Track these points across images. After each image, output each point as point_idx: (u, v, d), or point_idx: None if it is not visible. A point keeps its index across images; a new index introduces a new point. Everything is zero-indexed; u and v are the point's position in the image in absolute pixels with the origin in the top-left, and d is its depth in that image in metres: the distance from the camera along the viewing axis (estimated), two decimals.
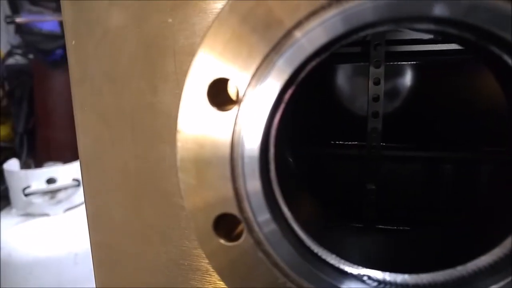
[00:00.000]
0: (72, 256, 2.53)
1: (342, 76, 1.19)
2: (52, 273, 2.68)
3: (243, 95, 0.49)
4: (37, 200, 2.69)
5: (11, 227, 2.67)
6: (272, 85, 0.48)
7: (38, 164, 3.23)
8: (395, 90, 1.13)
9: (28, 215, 2.71)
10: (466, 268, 0.50)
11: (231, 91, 0.52)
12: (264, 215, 0.52)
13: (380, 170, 1.13)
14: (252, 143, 0.50)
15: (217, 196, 0.53)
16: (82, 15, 0.68)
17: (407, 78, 1.11)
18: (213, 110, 0.50)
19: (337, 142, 1.19)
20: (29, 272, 2.55)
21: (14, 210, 2.75)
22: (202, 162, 0.52)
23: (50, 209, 2.68)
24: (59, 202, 2.70)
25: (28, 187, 2.62)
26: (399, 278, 0.53)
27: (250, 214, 0.52)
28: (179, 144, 0.53)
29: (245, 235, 0.53)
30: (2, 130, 3.40)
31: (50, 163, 3.18)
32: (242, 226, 0.53)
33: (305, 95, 1.11)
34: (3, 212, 2.83)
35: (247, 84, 0.49)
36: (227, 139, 0.51)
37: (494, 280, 0.47)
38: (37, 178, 2.66)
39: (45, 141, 3.41)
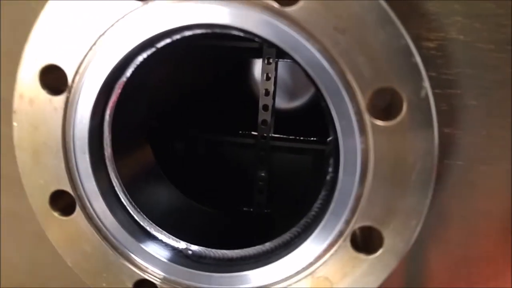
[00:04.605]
0: None
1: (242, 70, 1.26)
2: None
3: (72, 81, 0.53)
4: None
5: None
6: (98, 74, 0.52)
7: None
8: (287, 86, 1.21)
9: None
10: (271, 244, 0.58)
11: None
12: (94, 193, 0.57)
13: (270, 158, 1.21)
14: (81, 126, 0.54)
15: (51, 174, 0.57)
16: None
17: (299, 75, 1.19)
18: (45, 93, 0.54)
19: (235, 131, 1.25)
20: None
21: None
22: (37, 142, 0.56)
23: None
24: None
25: None
26: (218, 252, 0.60)
27: (82, 192, 0.57)
28: (15, 124, 0.56)
29: (77, 210, 0.57)
30: None
31: None
32: None
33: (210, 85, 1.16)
34: None
35: (74, 72, 0.53)
36: (59, 121, 0.55)
37: (287, 251, 0.55)
38: None
39: None
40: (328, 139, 0.68)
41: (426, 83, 0.47)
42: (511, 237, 0.68)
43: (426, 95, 0.47)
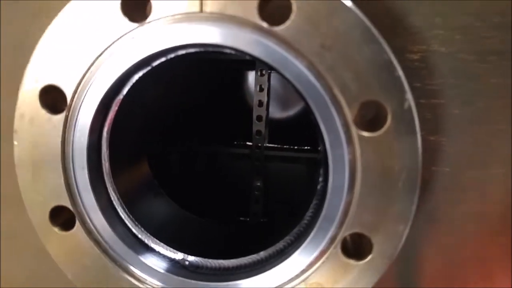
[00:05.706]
0: None
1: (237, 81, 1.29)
2: None
3: (71, 101, 0.55)
4: None
5: None
6: (96, 93, 0.55)
7: None
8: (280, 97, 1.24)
9: None
10: (265, 253, 0.60)
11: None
12: (93, 208, 0.58)
13: (265, 168, 1.23)
14: (80, 143, 0.56)
15: (51, 190, 0.58)
16: None
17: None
18: (45, 112, 0.56)
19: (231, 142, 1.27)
20: None
21: None
22: (37, 159, 0.58)
23: None
24: None
25: None
26: (214, 262, 0.61)
27: (81, 207, 0.58)
28: (15, 143, 0.58)
29: (77, 225, 0.59)
30: None
31: None
32: None
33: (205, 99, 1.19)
34: None
35: (73, 91, 0.55)
36: (59, 139, 0.57)
37: (281, 260, 0.57)
38: None
39: None
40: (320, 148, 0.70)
41: (409, 96, 0.50)
42: (511, 239, 0.70)
43: (409, 107, 0.50)
